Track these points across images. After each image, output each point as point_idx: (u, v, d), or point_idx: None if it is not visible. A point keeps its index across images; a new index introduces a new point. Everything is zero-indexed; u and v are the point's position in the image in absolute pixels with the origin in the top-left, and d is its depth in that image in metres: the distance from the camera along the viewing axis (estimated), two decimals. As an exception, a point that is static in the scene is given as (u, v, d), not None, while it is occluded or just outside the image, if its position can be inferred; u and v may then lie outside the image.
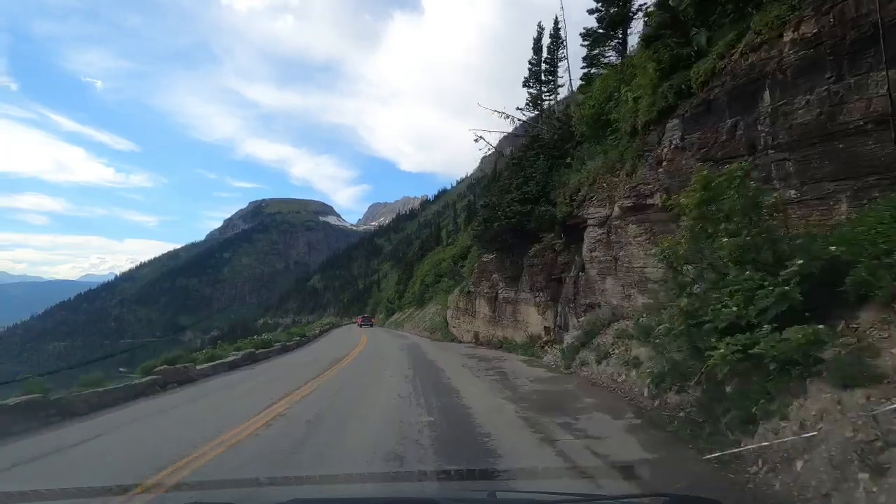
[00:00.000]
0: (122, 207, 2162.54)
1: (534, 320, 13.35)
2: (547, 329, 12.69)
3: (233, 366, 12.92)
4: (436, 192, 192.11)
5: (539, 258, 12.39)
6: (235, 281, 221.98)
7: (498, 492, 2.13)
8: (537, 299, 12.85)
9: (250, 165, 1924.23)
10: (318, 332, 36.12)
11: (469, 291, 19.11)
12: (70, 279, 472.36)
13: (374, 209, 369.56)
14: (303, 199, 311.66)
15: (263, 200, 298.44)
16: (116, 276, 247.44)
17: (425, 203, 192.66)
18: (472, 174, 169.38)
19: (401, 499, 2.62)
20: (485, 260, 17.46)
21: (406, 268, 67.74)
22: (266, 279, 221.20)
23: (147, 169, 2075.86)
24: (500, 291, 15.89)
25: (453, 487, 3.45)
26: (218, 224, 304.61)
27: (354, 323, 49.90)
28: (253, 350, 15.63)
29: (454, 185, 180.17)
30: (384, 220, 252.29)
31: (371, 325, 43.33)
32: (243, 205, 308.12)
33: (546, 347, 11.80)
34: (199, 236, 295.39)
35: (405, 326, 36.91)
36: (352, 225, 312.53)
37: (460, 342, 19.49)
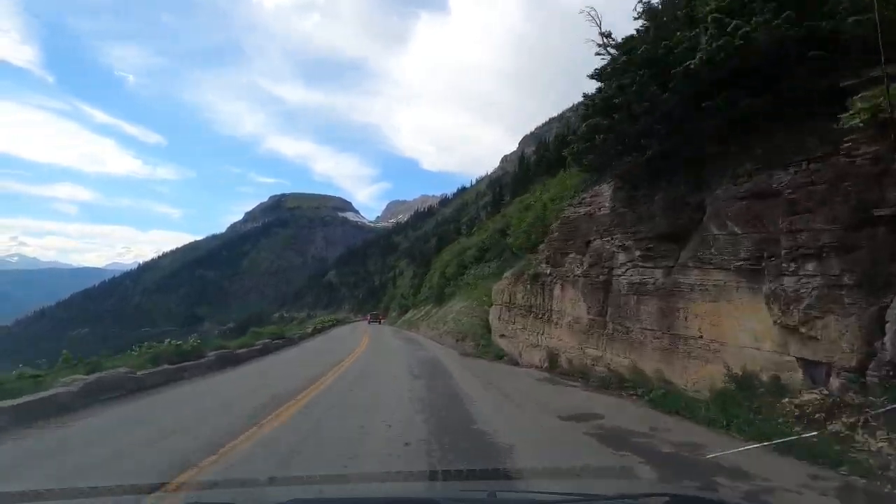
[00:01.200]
0: (148, 199, 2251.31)
1: (747, 337, 5.24)
2: (829, 369, 4.56)
3: (53, 409, 5.51)
4: (454, 191, 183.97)
5: (812, 169, 4.17)
6: (253, 274, 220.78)
7: (498, 492, 1.93)
8: (779, 285, 4.70)
9: (274, 161, 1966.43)
10: (310, 331, 28.87)
11: (536, 275, 10.64)
12: (96, 267, 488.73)
13: (393, 207, 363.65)
14: (322, 195, 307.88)
15: (283, 195, 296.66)
16: (139, 264, 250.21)
17: (444, 201, 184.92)
18: (492, 173, 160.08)
19: (401, 499, 2.44)
20: (572, 215, 9.12)
21: (423, 261, 60.78)
22: (283, 273, 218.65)
23: (173, 162, 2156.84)
24: (619, 271, 7.62)
25: (454, 487, 3.26)
26: (239, 217, 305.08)
27: (364, 320, 49.20)
28: (151, 367, 8.16)
29: (473, 183, 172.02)
30: (402, 217, 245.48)
31: (379, 323, 43.61)
32: (265, 199, 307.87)
33: (852, 429, 3.71)
34: (221, 229, 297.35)
35: (420, 327, 29.49)
36: (370, 222, 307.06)
37: (517, 364, 11.25)
